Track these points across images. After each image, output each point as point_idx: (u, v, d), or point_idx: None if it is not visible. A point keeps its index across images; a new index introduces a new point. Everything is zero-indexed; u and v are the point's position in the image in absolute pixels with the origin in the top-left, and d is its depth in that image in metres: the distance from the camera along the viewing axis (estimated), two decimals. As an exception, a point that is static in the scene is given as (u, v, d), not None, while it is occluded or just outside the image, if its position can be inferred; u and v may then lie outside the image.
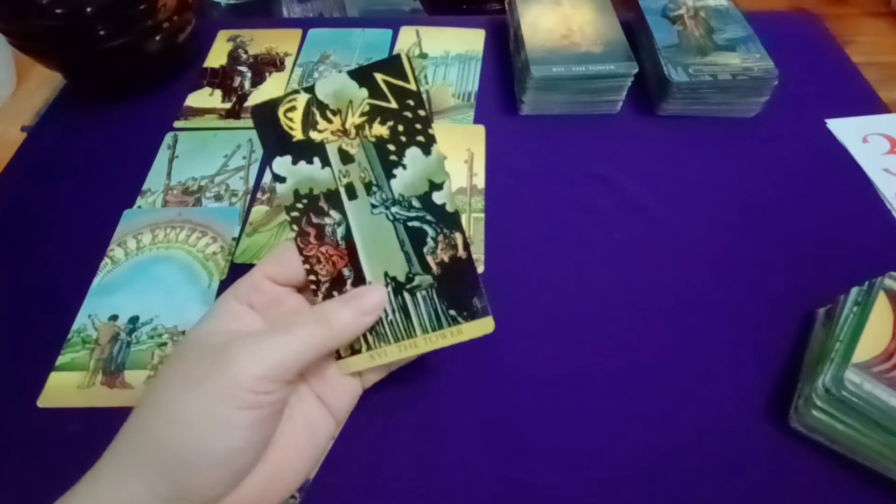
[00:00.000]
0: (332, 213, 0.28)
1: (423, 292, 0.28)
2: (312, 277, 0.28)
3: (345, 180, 0.28)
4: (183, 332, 0.36)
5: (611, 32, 0.49)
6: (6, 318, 0.37)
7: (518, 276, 0.38)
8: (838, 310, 0.33)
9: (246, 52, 0.56)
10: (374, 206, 0.28)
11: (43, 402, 0.33)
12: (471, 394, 0.34)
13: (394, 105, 0.27)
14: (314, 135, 0.28)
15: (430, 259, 0.28)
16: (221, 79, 0.53)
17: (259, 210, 0.43)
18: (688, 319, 0.36)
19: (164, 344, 0.35)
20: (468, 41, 0.56)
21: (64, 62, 0.50)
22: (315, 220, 0.28)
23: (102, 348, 0.35)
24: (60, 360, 0.35)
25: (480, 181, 0.44)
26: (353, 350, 0.28)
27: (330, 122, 0.28)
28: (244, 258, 0.40)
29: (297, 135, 0.28)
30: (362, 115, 0.27)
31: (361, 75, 0.27)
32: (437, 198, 0.28)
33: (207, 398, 0.22)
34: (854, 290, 0.33)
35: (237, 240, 0.41)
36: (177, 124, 0.49)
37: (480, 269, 0.39)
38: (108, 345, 0.35)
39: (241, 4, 0.86)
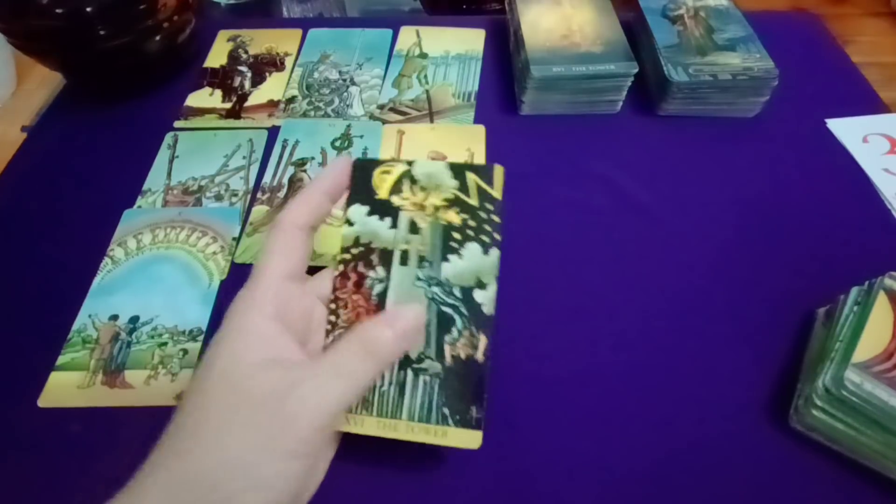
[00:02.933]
0: (379, 269, 0.29)
1: (427, 377, 0.28)
2: (332, 318, 0.29)
3: (403, 246, 0.29)
4: (183, 332, 0.36)
5: (611, 32, 0.49)
6: (6, 318, 0.37)
7: (517, 275, 0.38)
8: (838, 310, 0.33)
9: (246, 52, 0.56)
10: (418, 279, 0.29)
11: (43, 401, 0.33)
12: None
13: (474, 202, 0.30)
14: (395, 199, 0.30)
15: (447, 348, 0.28)
16: (221, 79, 0.53)
17: (259, 210, 0.43)
18: (688, 319, 0.36)
19: (165, 344, 0.35)
20: (468, 41, 0.56)
21: (64, 62, 0.50)
22: (361, 269, 0.29)
23: (103, 348, 0.35)
24: (61, 359, 0.35)
25: (480, 181, 0.44)
26: None
27: (414, 194, 0.30)
28: (244, 258, 0.40)
29: (382, 194, 0.30)
30: (444, 200, 0.30)
31: (458, 170, 0.30)
32: (479, 296, 0.29)
33: (273, 455, 0.22)
34: (854, 290, 0.33)
35: (237, 239, 0.41)
36: (177, 124, 0.49)
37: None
38: (109, 345, 0.35)
39: (241, 4, 0.86)
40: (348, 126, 0.48)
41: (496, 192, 0.30)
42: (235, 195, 0.44)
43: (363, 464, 0.31)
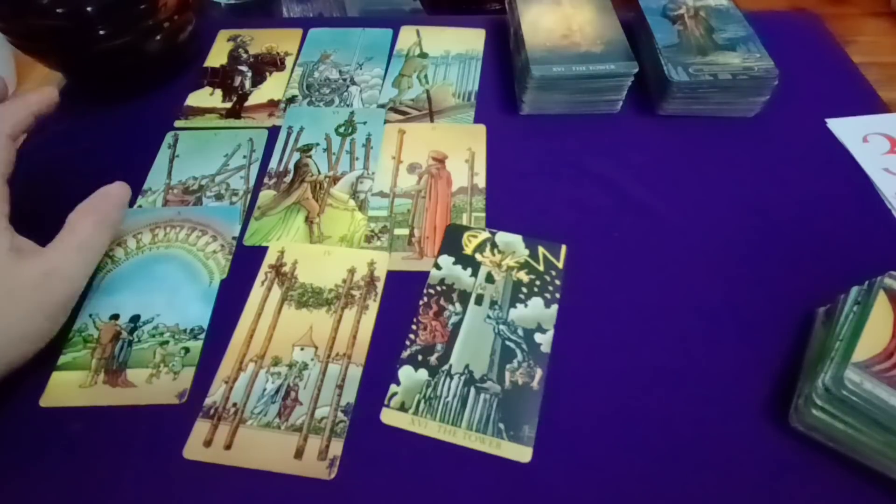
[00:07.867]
0: (457, 305, 0.36)
1: (488, 396, 0.32)
2: (412, 336, 0.35)
3: (479, 291, 0.37)
4: (185, 331, 0.36)
5: (611, 32, 0.49)
6: (7, 318, 0.37)
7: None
8: (838, 309, 0.33)
9: (246, 52, 0.56)
10: (488, 317, 0.35)
11: (45, 401, 0.33)
12: (471, 393, 0.34)
13: (541, 268, 0.38)
14: (478, 256, 0.38)
15: (507, 374, 0.33)
16: (222, 78, 0.53)
17: (266, 194, 0.43)
18: (687, 319, 0.37)
19: (166, 342, 0.35)
20: (468, 41, 0.57)
21: (64, 62, 0.50)
22: (442, 303, 0.36)
23: (104, 347, 0.35)
24: (62, 359, 0.35)
25: (481, 180, 0.44)
26: (403, 406, 0.32)
27: (493, 255, 0.38)
28: (253, 241, 0.41)
29: (468, 251, 0.38)
30: (517, 262, 0.38)
31: (531, 243, 0.39)
32: (538, 338, 0.35)
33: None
34: (854, 290, 0.34)
35: (237, 239, 0.41)
36: (177, 124, 0.49)
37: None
38: (110, 344, 0.35)
39: (241, 4, 0.85)
40: (351, 113, 0.49)
41: (560, 264, 0.38)
42: (236, 194, 0.44)
43: (361, 457, 0.31)
